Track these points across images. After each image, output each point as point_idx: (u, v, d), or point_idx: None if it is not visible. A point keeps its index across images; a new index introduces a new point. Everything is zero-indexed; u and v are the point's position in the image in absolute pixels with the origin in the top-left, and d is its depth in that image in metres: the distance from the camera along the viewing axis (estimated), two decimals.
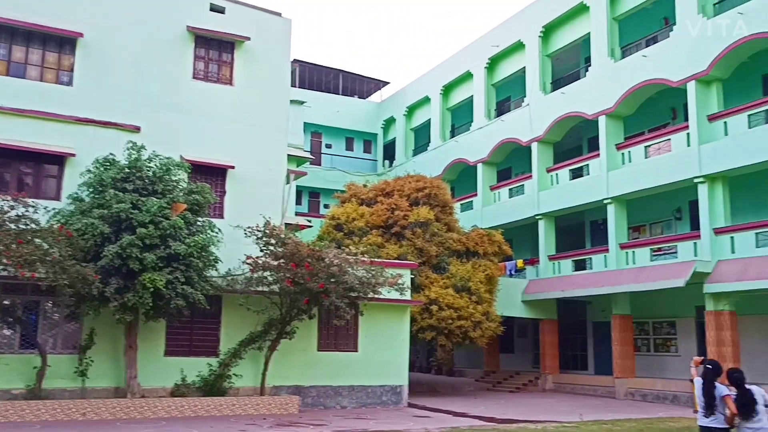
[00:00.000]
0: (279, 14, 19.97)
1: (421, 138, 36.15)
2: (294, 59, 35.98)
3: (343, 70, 39.74)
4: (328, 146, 38.24)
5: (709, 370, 8.03)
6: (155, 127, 17.58)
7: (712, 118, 20.40)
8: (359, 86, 40.99)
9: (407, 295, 18.97)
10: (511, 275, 26.61)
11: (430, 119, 34.54)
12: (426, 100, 34.91)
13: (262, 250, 16.53)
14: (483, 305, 22.04)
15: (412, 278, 20.30)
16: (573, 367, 26.97)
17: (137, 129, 17.36)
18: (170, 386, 16.50)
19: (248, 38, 18.96)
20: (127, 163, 15.65)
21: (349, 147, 39.20)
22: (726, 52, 19.77)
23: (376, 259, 18.22)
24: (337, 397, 18.46)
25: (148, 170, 15.68)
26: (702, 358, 8.94)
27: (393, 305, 18.98)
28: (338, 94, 39.51)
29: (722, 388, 7.95)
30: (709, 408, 7.94)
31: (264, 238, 16.49)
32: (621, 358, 22.75)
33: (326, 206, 33.75)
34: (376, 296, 17.13)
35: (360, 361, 18.83)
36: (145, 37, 18.03)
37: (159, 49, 18.17)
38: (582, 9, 25.14)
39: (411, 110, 36.64)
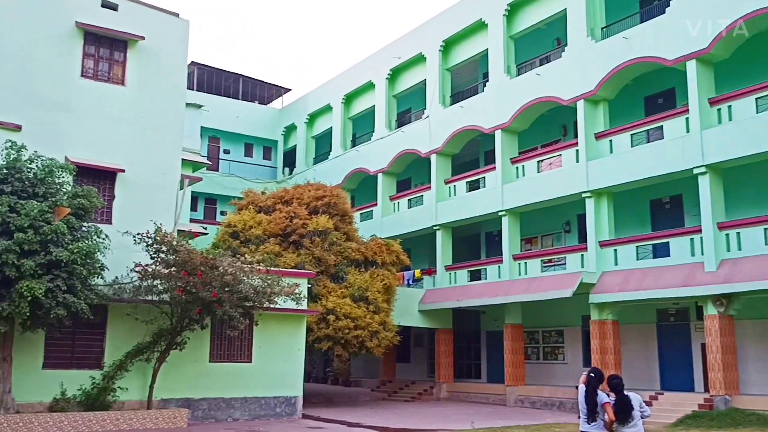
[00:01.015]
0: (176, 15, 19.38)
1: (322, 146, 36.02)
2: (192, 62, 35.08)
3: (243, 75, 39.01)
4: (227, 152, 37.41)
5: (592, 378, 8.35)
6: (39, 126, 16.62)
7: (599, 136, 21.41)
8: (260, 92, 40.38)
9: (304, 305, 18.76)
10: (408, 285, 26.89)
11: (331, 127, 34.47)
12: (328, 108, 34.84)
13: (152, 258, 15.91)
14: (380, 315, 22.11)
15: (309, 288, 20.12)
16: (467, 375, 27.52)
17: (18, 128, 16.33)
18: (49, 401, 15.60)
19: (142, 37, 18.28)
20: (4, 163, 14.69)
21: (248, 153, 38.51)
22: (612, 74, 20.82)
23: (272, 268, 17.92)
24: (229, 409, 17.99)
25: (29, 171, 14.79)
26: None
27: (289, 315, 18.73)
28: (238, 98, 38.72)
29: (603, 396, 8.29)
30: (591, 414, 8.25)
31: (155, 246, 15.89)
32: (512, 367, 23.41)
33: (223, 213, 32.93)
34: (272, 306, 16.86)
35: (254, 372, 18.44)
36: (30, 31, 17.04)
37: (45, 44, 17.22)
38: (481, 26, 25.84)
39: (312, 118, 36.45)
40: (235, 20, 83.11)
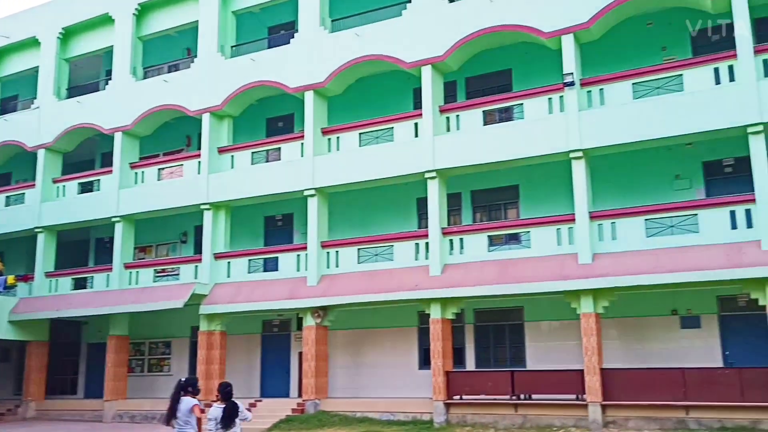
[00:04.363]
0: None
1: None
2: None
3: None
4: None
5: (180, 383, 8.84)
6: None
7: (221, 150, 21.86)
8: None
9: None
10: None
11: None
12: None
13: None
14: None
15: None
16: (62, 391, 25.31)
17: None
18: None
19: None
20: None
21: None
22: (238, 92, 21.49)
23: None
24: None
25: None
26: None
27: None
28: None
29: (190, 400, 8.70)
30: (169, 417, 8.64)
31: None
32: (113, 380, 22.26)
33: None
34: None
35: None
36: None
37: None
38: (107, 20, 24.41)
39: None
40: None
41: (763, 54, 15.33)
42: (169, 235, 24.83)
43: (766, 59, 15.32)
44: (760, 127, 14.83)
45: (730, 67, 15.59)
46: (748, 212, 15.02)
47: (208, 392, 18.49)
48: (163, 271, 22.36)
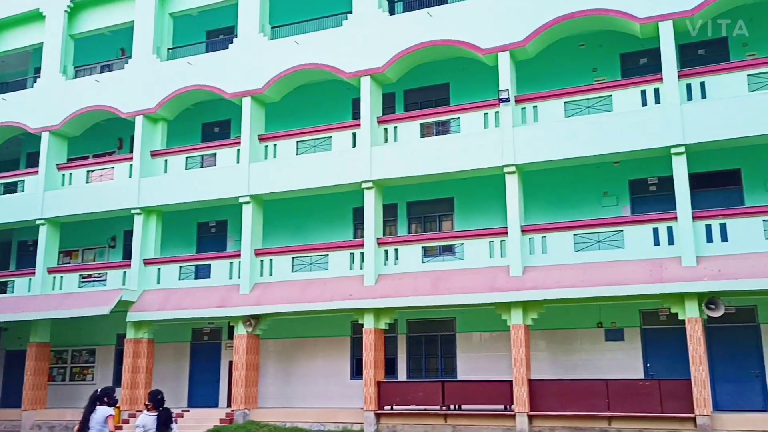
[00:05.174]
0: None
1: None
2: None
3: None
4: None
5: (96, 393, 8.70)
6: None
7: (155, 154, 21.39)
8: None
9: None
10: None
11: None
12: None
13: None
14: None
15: None
16: None
17: None
18: None
19: None
20: None
21: None
22: (174, 95, 21.08)
23: None
24: None
25: None
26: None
27: None
28: None
29: (105, 409, 8.62)
30: (83, 428, 8.54)
31: None
32: (33, 389, 21.37)
33: None
34: None
35: None
36: None
37: None
38: (37, 16, 23.59)
39: None
40: None
41: (687, 78, 16.05)
42: (97, 239, 24.10)
43: (690, 83, 16.04)
44: (683, 149, 15.50)
45: (656, 90, 16.25)
46: (670, 230, 15.64)
47: (133, 402, 18.02)
48: (90, 276, 21.66)
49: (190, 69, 21.01)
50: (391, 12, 19.85)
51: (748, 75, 15.63)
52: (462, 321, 18.94)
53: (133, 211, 20.92)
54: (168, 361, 21.71)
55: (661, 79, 16.12)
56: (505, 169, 16.97)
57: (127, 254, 21.98)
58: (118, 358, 22.14)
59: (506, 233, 16.89)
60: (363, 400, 17.48)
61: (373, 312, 17.59)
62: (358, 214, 19.56)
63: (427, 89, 20.62)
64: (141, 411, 8.87)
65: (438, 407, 16.81)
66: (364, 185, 18.32)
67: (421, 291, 17.09)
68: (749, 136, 15.15)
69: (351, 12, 19.50)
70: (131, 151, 22.02)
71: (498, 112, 17.43)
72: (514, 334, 16.27)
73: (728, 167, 17.14)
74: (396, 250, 18.17)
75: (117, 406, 8.60)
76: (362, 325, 17.79)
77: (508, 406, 16.21)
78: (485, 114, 17.74)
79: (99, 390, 8.84)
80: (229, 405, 19.56)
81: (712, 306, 14.83)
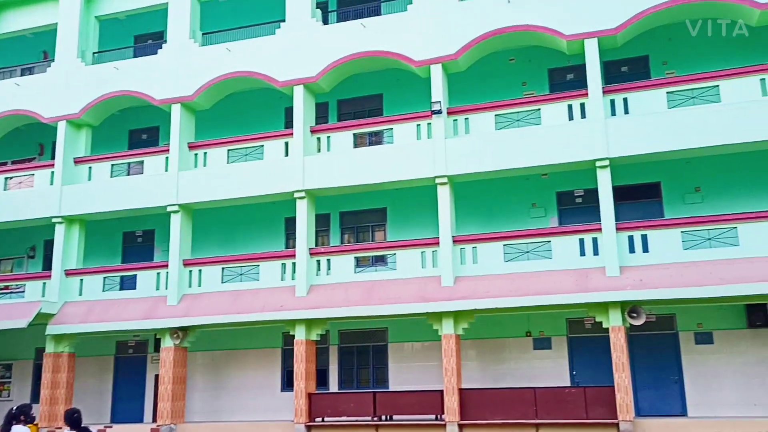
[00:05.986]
0: None
1: None
2: None
3: None
4: None
5: (11, 411, 8.29)
6: None
7: (78, 161, 20.64)
8: None
9: None
10: None
11: None
12: None
13: None
14: None
15: None
16: None
17: None
18: None
19: None
20: None
21: None
22: (99, 100, 20.42)
23: None
24: None
25: None
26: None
27: None
28: None
29: (21, 429, 8.23)
30: None
31: None
32: None
33: None
34: None
35: None
36: None
37: None
38: None
39: None
40: None
41: (611, 94, 16.61)
42: (15, 249, 23.06)
43: (613, 99, 16.61)
44: (607, 162, 16.01)
45: (582, 105, 16.75)
46: (595, 240, 16.10)
47: (53, 418, 17.26)
48: (6, 288, 20.67)
49: (117, 74, 20.42)
50: (325, 22, 19.85)
51: (667, 92, 16.31)
52: (394, 331, 18.97)
53: (54, 220, 20.11)
54: (90, 375, 20.92)
55: (586, 94, 16.62)
56: (437, 180, 17.14)
57: (48, 265, 21.11)
58: (36, 374, 21.19)
59: (438, 244, 17.04)
60: (294, 412, 17.25)
61: (305, 323, 17.41)
62: (290, 224, 19.36)
63: (361, 100, 20.66)
64: (60, 428, 8.53)
65: (370, 418, 16.75)
66: (296, 195, 18.16)
67: (353, 301, 17.03)
68: (669, 150, 15.79)
69: (284, 21, 19.38)
70: (53, 157, 21.19)
71: (430, 123, 17.61)
72: (445, 344, 16.39)
73: (649, 180, 17.80)
74: (328, 260, 18.06)
75: (35, 423, 8.15)
76: (293, 336, 17.59)
77: (439, 416, 16.30)
78: (418, 125, 17.89)
79: (15, 408, 8.42)
80: (154, 420, 18.97)
81: (635, 315, 15.33)
